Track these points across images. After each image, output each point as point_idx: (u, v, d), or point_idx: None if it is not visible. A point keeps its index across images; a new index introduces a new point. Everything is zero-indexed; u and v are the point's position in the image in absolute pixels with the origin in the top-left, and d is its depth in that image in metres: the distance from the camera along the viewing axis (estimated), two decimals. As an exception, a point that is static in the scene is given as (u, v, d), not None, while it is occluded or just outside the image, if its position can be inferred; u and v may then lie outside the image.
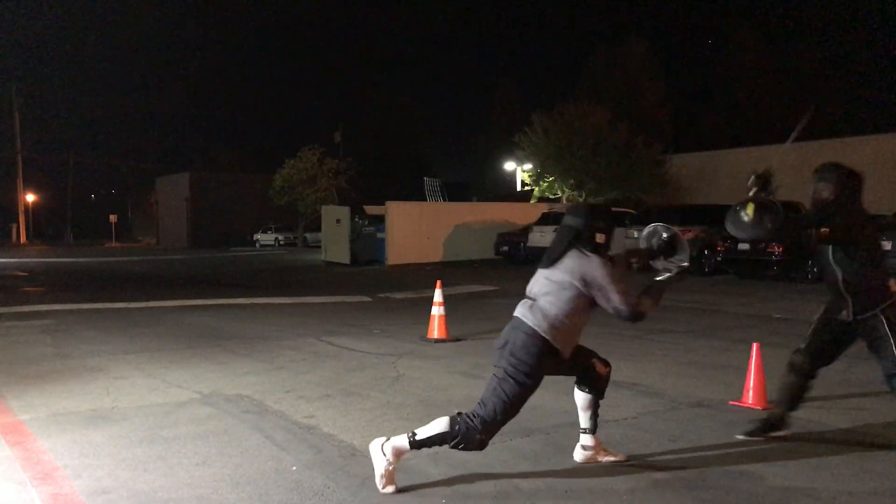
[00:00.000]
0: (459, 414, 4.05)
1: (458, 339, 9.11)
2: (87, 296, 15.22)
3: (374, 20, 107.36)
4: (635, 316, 4.22)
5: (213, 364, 7.77)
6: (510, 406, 4.00)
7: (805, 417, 5.47)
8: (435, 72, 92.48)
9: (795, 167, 29.17)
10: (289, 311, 12.69)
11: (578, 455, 4.51)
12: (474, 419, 3.97)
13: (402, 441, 4.03)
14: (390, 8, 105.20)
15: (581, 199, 29.67)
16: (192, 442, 5.00)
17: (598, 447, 4.53)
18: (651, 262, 4.72)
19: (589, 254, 4.19)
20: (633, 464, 4.50)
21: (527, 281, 4.45)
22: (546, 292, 4.21)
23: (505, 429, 4.14)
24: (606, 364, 4.56)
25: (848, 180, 4.62)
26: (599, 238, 4.25)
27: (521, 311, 4.24)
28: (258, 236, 47.93)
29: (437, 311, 9.19)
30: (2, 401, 6.17)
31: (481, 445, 4.01)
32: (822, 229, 4.42)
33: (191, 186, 51.85)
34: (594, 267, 4.15)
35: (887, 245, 14.44)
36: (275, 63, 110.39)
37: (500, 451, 4.67)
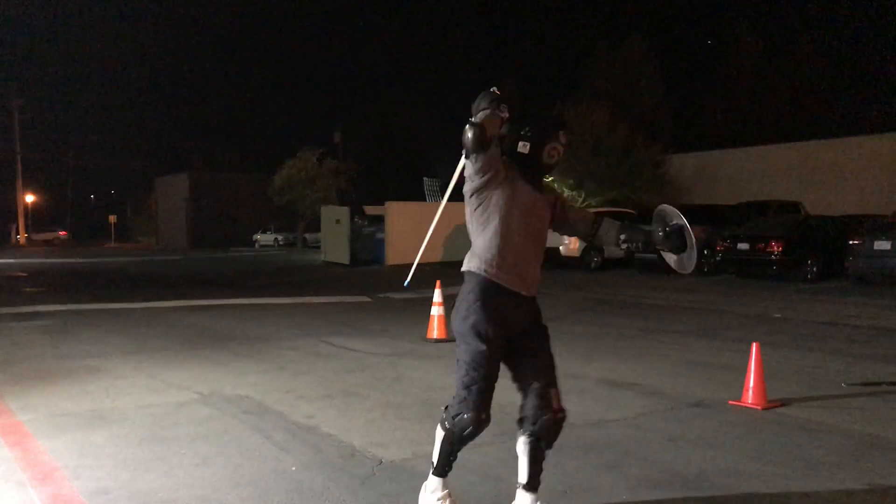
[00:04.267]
0: (446, 409, 3.57)
1: (457, 340, 9.10)
2: (86, 296, 15.22)
3: (374, 20, 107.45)
4: (477, 134, 3.23)
5: (212, 364, 7.77)
6: (471, 370, 3.40)
7: (803, 417, 5.48)
8: (435, 72, 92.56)
9: (795, 167, 29.29)
10: (288, 311, 12.69)
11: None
12: (452, 403, 3.49)
13: (432, 478, 3.67)
14: (390, 8, 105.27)
15: (581, 200, 29.68)
16: (192, 442, 5.00)
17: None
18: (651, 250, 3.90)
19: None
20: (633, 463, 4.50)
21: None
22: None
23: (506, 428, 4.12)
24: (556, 401, 3.55)
25: None
26: (523, 147, 3.47)
27: None
28: (258, 237, 47.92)
29: (436, 311, 9.19)
30: (1, 401, 6.17)
31: (476, 422, 3.42)
32: None
33: (190, 187, 51.81)
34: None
35: (886, 245, 14.45)
36: (275, 63, 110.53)
37: (500, 451, 4.67)
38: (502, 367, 3.56)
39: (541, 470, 3.61)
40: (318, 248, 31.01)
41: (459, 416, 3.44)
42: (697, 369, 7.33)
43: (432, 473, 3.67)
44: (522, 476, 3.61)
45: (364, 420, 5.52)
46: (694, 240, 3.66)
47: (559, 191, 30.56)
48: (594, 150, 29.10)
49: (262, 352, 8.52)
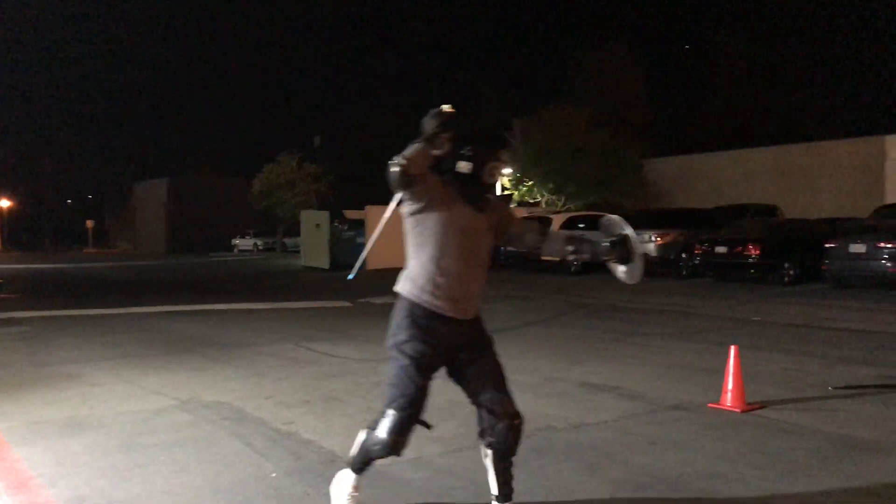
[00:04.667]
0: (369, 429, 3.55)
1: (438, 344, 9.09)
2: (63, 302, 15.05)
3: (355, 23, 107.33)
4: (404, 168, 3.17)
5: (191, 370, 7.71)
6: (393, 389, 3.39)
7: (782, 419, 5.52)
8: (415, 76, 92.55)
9: (772, 171, 29.57)
10: (268, 316, 12.62)
11: None
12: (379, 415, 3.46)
13: (347, 472, 3.69)
14: (370, 11, 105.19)
15: (561, 204, 29.79)
16: (170, 449, 4.95)
17: None
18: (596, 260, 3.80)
19: None
20: (613, 466, 4.51)
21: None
22: None
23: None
24: (508, 408, 3.47)
25: None
26: (465, 167, 3.40)
27: None
28: (237, 241, 47.69)
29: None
30: (-24, 409, 6.08)
31: (389, 445, 3.39)
32: None
33: (169, 192, 51.53)
34: None
35: (862, 247, 14.61)
36: (254, 67, 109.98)
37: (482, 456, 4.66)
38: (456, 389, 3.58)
39: (510, 478, 3.58)
40: (298, 252, 30.90)
41: (375, 433, 3.43)
42: (677, 372, 7.37)
43: (348, 466, 3.65)
44: (493, 488, 3.59)
45: (344, 426, 5.49)
46: (640, 250, 3.65)
47: (539, 195, 30.66)
48: (574, 154, 29.23)
49: (241, 357, 8.46)
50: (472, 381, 3.52)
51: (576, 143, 29.48)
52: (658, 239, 18.54)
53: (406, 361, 3.36)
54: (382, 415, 3.40)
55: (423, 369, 3.39)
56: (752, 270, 16.57)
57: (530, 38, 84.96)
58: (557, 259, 20.51)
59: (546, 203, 30.15)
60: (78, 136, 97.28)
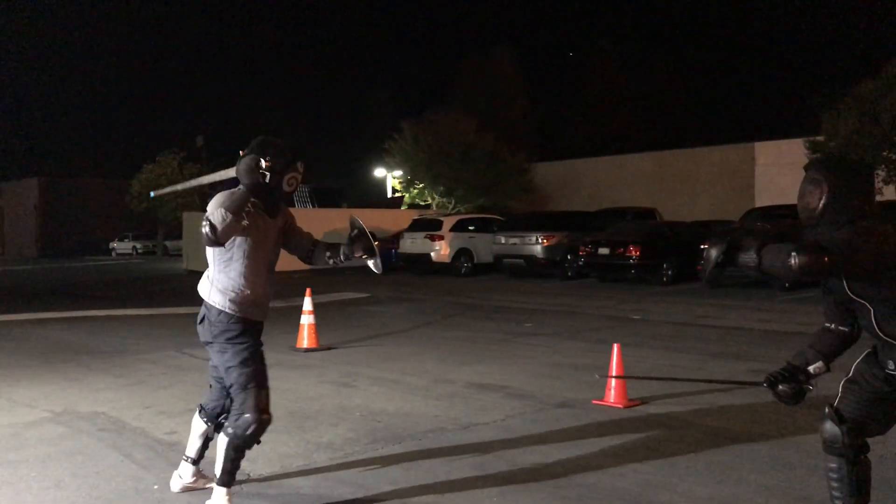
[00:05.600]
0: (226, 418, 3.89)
1: (328, 348, 9.00)
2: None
3: (238, 21, 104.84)
4: (207, 230, 3.53)
5: (65, 380, 7.32)
6: (242, 370, 3.76)
7: (662, 413, 5.75)
8: (303, 76, 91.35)
9: (650, 173, 30.82)
10: (148, 322, 12.15)
11: (175, 484, 4.16)
12: (232, 409, 3.79)
13: (218, 490, 3.80)
14: (256, 10, 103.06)
15: (451, 206, 30.05)
16: (42, 464, 4.68)
17: (199, 476, 4.18)
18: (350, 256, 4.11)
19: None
20: (502, 465, 4.57)
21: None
22: None
23: (378, 436, 4.10)
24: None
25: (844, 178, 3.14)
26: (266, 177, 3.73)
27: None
28: (114, 245, 45.72)
29: (306, 319, 9.04)
30: None
31: (253, 426, 3.69)
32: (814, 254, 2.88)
33: (40, 192, 49.00)
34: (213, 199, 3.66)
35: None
36: (134, 63, 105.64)
37: (370, 460, 4.63)
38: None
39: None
40: (181, 256, 29.92)
41: (240, 417, 3.68)
42: (563, 370, 7.56)
43: (218, 484, 3.77)
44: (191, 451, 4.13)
45: (231, 433, 5.34)
46: (374, 242, 4.01)
47: (429, 198, 30.86)
48: (463, 157, 29.57)
49: (120, 366, 8.11)
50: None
51: (463, 147, 29.83)
52: (545, 241, 18.99)
53: (245, 342, 3.82)
54: (244, 400, 3.70)
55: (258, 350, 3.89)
56: (633, 271, 17.21)
57: (419, 41, 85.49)
58: (448, 261, 20.75)
59: (437, 206, 30.36)
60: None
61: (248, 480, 4.35)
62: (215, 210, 3.52)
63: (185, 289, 19.49)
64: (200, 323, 3.90)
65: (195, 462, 4.13)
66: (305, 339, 8.95)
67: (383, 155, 32.94)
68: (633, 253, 16.97)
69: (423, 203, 31.43)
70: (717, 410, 5.85)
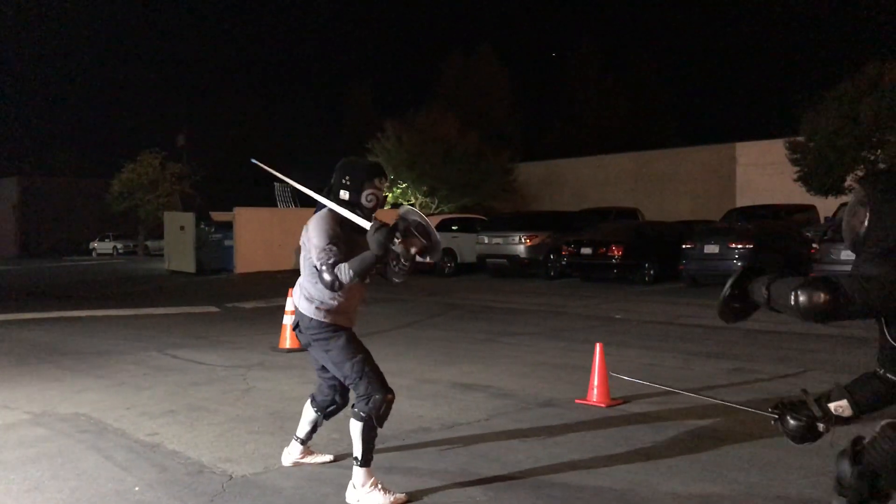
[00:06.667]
0: (353, 407, 3.96)
1: (310, 348, 8.95)
2: None
3: (218, 19, 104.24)
4: (331, 282, 3.69)
5: (45, 382, 7.25)
6: (353, 358, 3.97)
7: (644, 412, 5.78)
8: (285, 76, 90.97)
9: (632, 173, 30.97)
10: (129, 323, 12.06)
11: (286, 459, 4.58)
12: (356, 395, 3.94)
13: (359, 471, 3.94)
14: (237, 9, 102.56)
15: (434, 206, 30.07)
16: (21, 467, 4.63)
17: (307, 453, 4.62)
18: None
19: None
20: (486, 465, 4.57)
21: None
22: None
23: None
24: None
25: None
26: (344, 195, 3.93)
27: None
28: (95, 245, 45.35)
29: (288, 319, 9.00)
30: None
31: (384, 405, 3.89)
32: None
33: (19, 192, 48.53)
34: (313, 219, 3.89)
35: (715, 248, 15.51)
36: (114, 61, 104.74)
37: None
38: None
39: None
40: (162, 256, 29.73)
41: (371, 399, 3.86)
42: (546, 370, 7.57)
43: (359, 466, 3.93)
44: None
45: (212, 435, 5.31)
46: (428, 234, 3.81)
47: (413, 198, 30.82)
48: (445, 157, 29.59)
49: (101, 367, 8.04)
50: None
51: (446, 146, 29.85)
52: (528, 241, 19.03)
53: (345, 335, 4.04)
54: (368, 382, 3.89)
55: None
56: (615, 270, 17.28)
57: (402, 40, 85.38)
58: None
59: (420, 205, 30.37)
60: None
61: (231, 481, 4.33)
62: (347, 270, 3.63)
63: (166, 289, 19.36)
64: (296, 328, 4.11)
65: (303, 442, 4.53)
66: (287, 339, 8.91)
67: (366, 155, 32.90)
68: (616, 252, 17.05)
69: (406, 203, 31.43)
70: (700, 410, 5.88)
